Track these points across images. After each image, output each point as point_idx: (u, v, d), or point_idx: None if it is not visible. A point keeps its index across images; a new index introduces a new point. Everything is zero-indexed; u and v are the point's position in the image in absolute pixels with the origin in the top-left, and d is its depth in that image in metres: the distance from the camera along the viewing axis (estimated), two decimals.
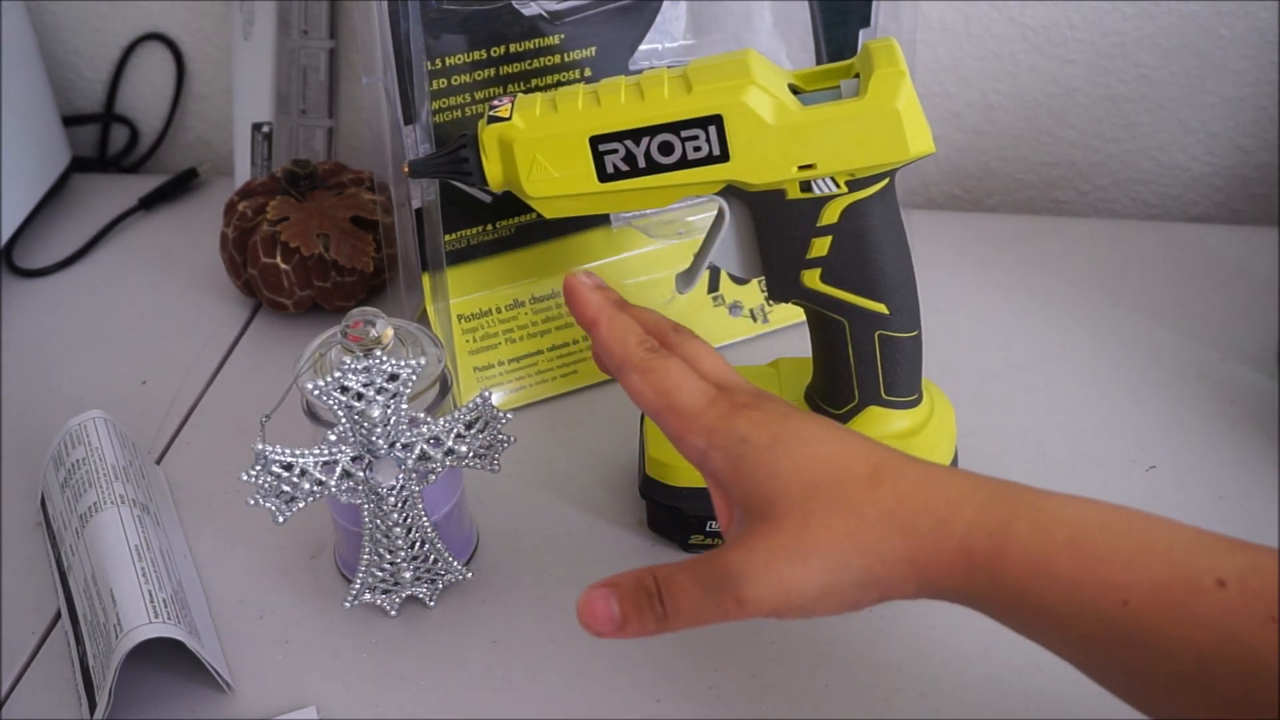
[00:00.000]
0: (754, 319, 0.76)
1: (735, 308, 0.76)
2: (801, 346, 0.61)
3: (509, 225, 0.71)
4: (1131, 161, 0.90)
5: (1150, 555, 0.40)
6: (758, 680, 0.56)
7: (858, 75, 0.54)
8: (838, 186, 0.54)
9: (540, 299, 0.73)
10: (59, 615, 0.61)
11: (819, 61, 0.71)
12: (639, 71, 0.57)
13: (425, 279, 0.69)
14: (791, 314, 0.76)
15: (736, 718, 0.55)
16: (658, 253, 0.75)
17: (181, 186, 0.94)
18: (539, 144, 0.55)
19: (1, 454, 0.71)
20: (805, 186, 0.54)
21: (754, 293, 0.76)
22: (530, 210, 0.57)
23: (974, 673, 0.57)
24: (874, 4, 0.70)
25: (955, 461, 0.61)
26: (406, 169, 0.59)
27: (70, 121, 0.96)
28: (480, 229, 0.70)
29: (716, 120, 0.53)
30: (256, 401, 0.74)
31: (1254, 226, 0.89)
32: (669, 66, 0.56)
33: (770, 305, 0.76)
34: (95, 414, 0.65)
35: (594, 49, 0.68)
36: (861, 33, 0.71)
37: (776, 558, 0.43)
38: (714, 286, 0.76)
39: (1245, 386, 0.72)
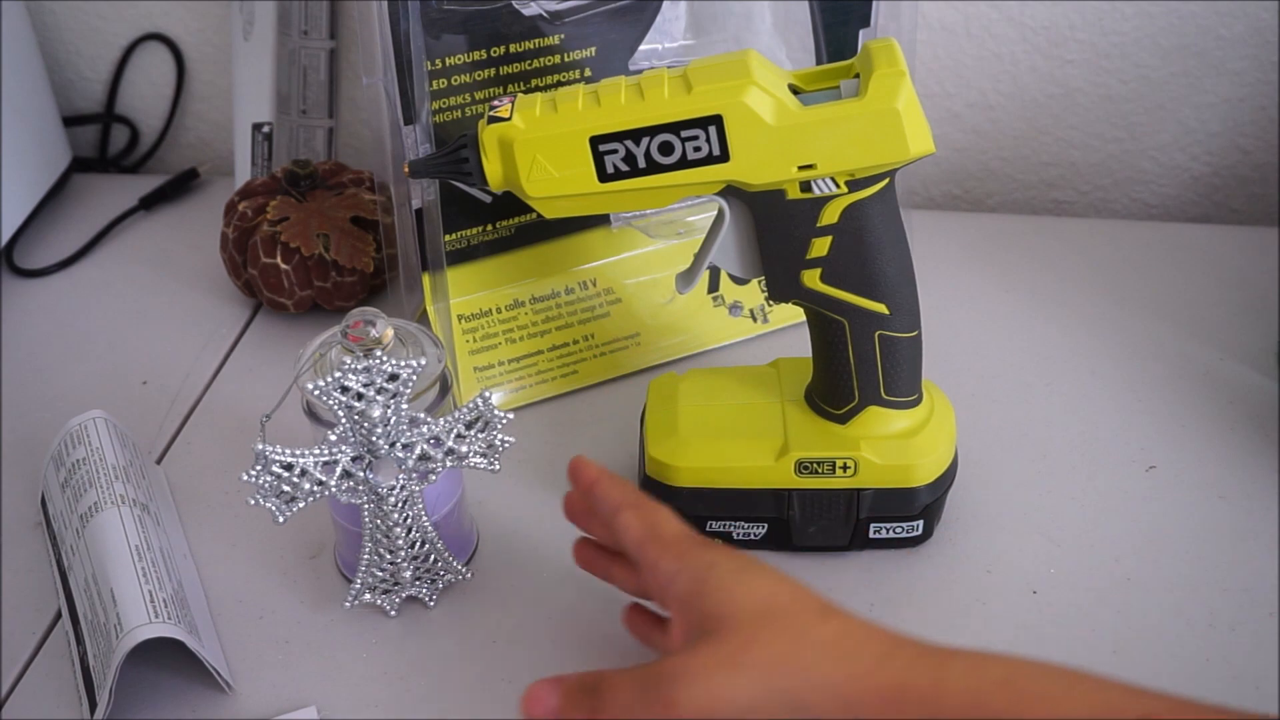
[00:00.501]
0: (754, 319, 0.76)
1: (735, 308, 0.76)
2: (801, 346, 0.61)
3: (509, 225, 0.71)
4: (1131, 161, 0.90)
5: (1081, 694, 0.41)
6: None
7: (858, 75, 0.54)
8: (838, 187, 0.54)
9: (540, 299, 0.73)
10: (59, 615, 0.61)
11: (819, 61, 0.71)
12: (639, 71, 0.57)
13: (425, 279, 0.69)
14: (791, 314, 0.76)
15: None
16: (658, 253, 0.75)
17: (182, 187, 0.94)
18: (539, 144, 0.55)
19: (1, 454, 0.71)
20: (805, 187, 0.54)
21: (754, 293, 0.76)
22: (530, 210, 0.57)
23: None
24: (874, 4, 0.70)
25: (955, 461, 0.61)
26: (406, 169, 0.59)
27: (70, 121, 0.96)
28: (480, 229, 0.71)
29: (716, 120, 0.53)
30: (257, 401, 0.74)
31: (1254, 226, 0.89)
32: (669, 67, 0.56)
33: (770, 305, 0.76)
34: (95, 414, 0.65)
35: (594, 49, 0.68)
36: (861, 33, 0.71)
37: (712, 668, 0.45)
38: (714, 286, 0.76)
39: (1245, 386, 0.72)
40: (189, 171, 0.94)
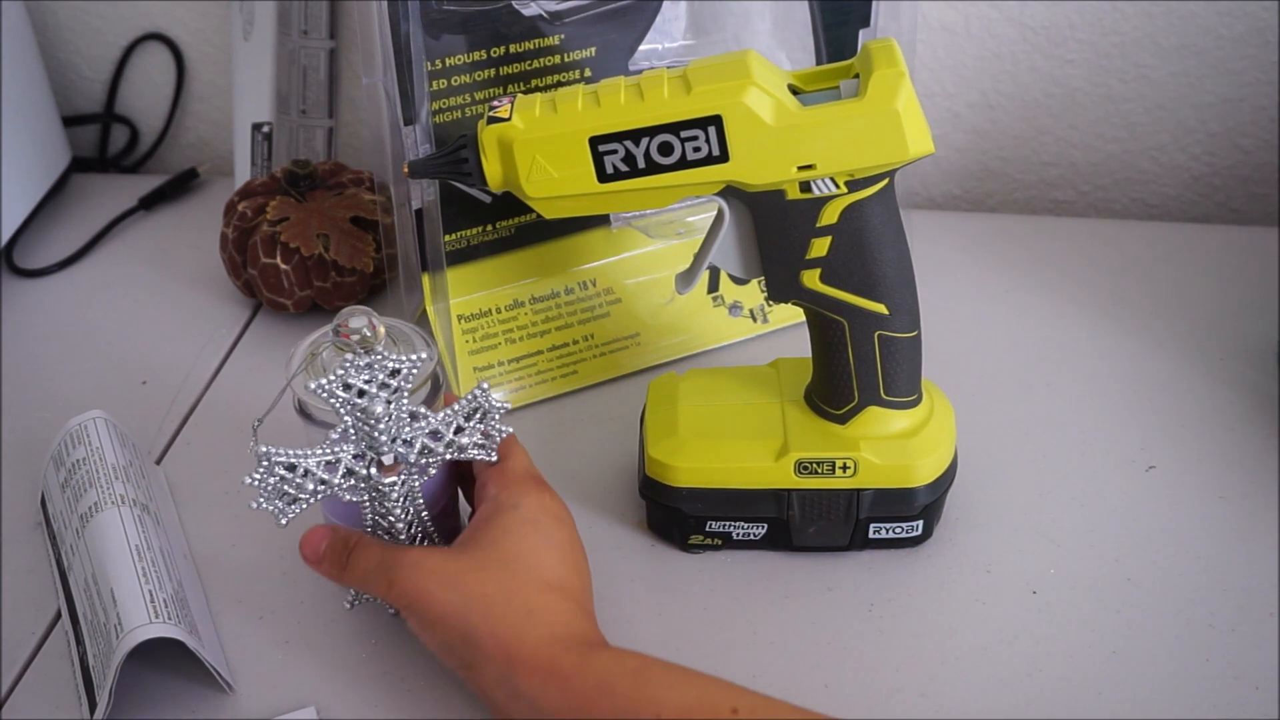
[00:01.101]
0: (754, 319, 0.76)
1: (735, 308, 0.76)
2: (801, 346, 0.61)
3: (509, 226, 0.71)
4: (1131, 161, 0.90)
5: (691, 688, 0.48)
6: (758, 680, 0.56)
7: (857, 76, 0.54)
8: (837, 187, 0.54)
9: (540, 299, 0.73)
10: (59, 615, 0.61)
11: (819, 62, 0.71)
12: (639, 72, 0.57)
13: (425, 279, 0.69)
14: (791, 314, 0.76)
15: None
16: (657, 253, 0.75)
17: (181, 187, 0.94)
18: (539, 144, 0.55)
19: (1, 454, 0.71)
20: (805, 187, 0.54)
21: (754, 293, 0.76)
22: (530, 210, 0.57)
23: (974, 673, 0.57)
24: (874, 4, 0.70)
25: (955, 462, 0.61)
26: (406, 169, 0.59)
27: (70, 121, 0.97)
28: (480, 229, 0.71)
29: (716, 121, 0.53)
30: (257, 401, 0.74)
31: (1254, 226, 0.89)
32: (669, 67, 0.56)
33: (770, 305, 0.76)
34: (95, 414, 0.65)
35: (594, 49, 0.68)
36: (861, 33, 0.71)
37: (434, 571, 0.52)
38: (714, 287, 0.76)
39: (1245, 386, 0.72)
40: (189, 171, 0.94)
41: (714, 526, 0.61)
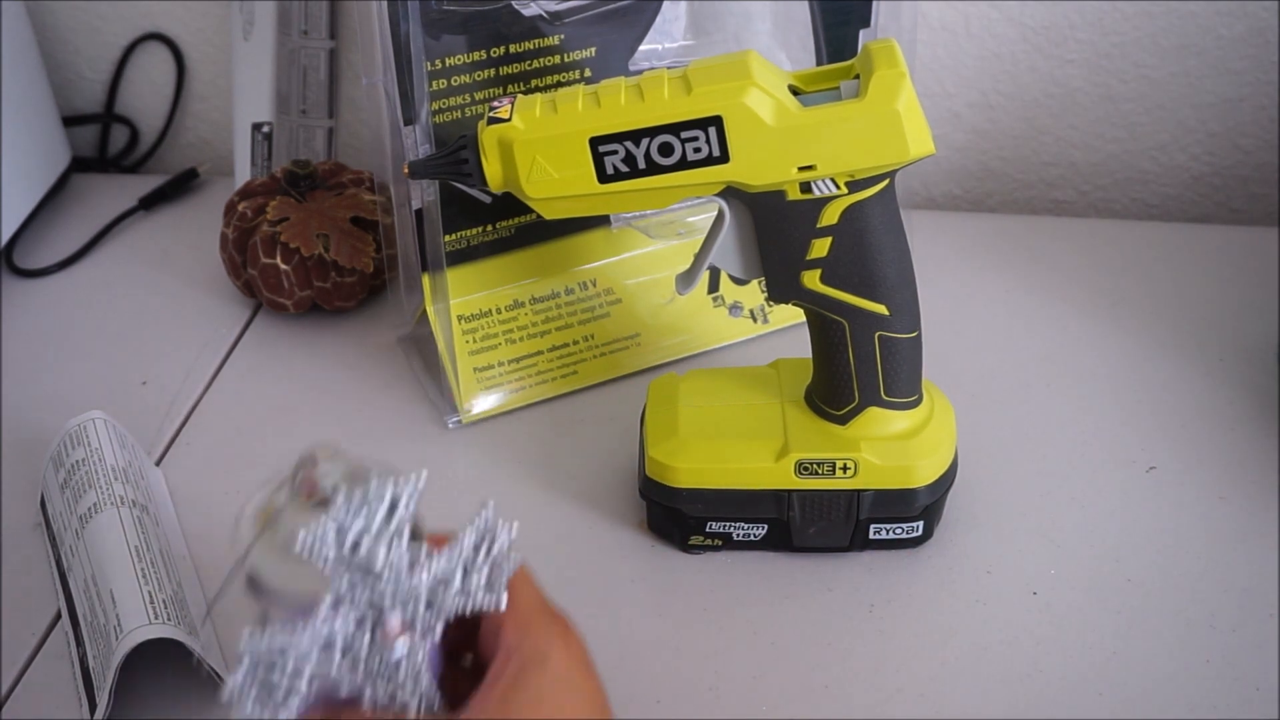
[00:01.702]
0: (754, 319, 0.76)
1: (735, 308, 0.76)
2: (801, 347, 0.61)
3: (509, 226, 0.71)
4: (1131, 161, 0.90)
5: None
6: (758, 680, 0.56)
7: (858, 76, 0.54)
8: (838, 188, 0.54)
9: (540, 300, 0.73)
10: (59, 616, 0.61)
11: (819, 62, 0.71)
12: (639, 72, 0.57)
13: (425, 279, 0.69)
14: (791, 314, 0.76)
15: (736, 718, 0.55)
16: (658, 253, 0.75)
17: (181, 187, 0.94)
18: (539, 145, 0.55)
19: (1, 454, 0.71)
20: (805, 188, 0.54)
21: (754, 293, 0.76)
22: (530, 211, 0.57)
23: (974, 673, 0.57)
24: (874, 4, 0.70)
25: (955, 462, 0.61)
26: (406, 170, 0.59)
27: (70, 121, 0.96)
28: (480, 229, 0.71)
29: (716, 121, 0.53)
30: (257, 401, 0.74)
31: (1254, 226, 0.89)
32: (669, 67, 0.56)
33: (770, 306, 0.76)
34: (95, 415, 0.65)
35: (594, 49, 0.68)
36: (861, 33, 0.71)
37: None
38: (714, 287, 0.76)
39: (1245, 386, 0.72)
40: (189, 171, 0.94)
41: (714, 527, 0.61)
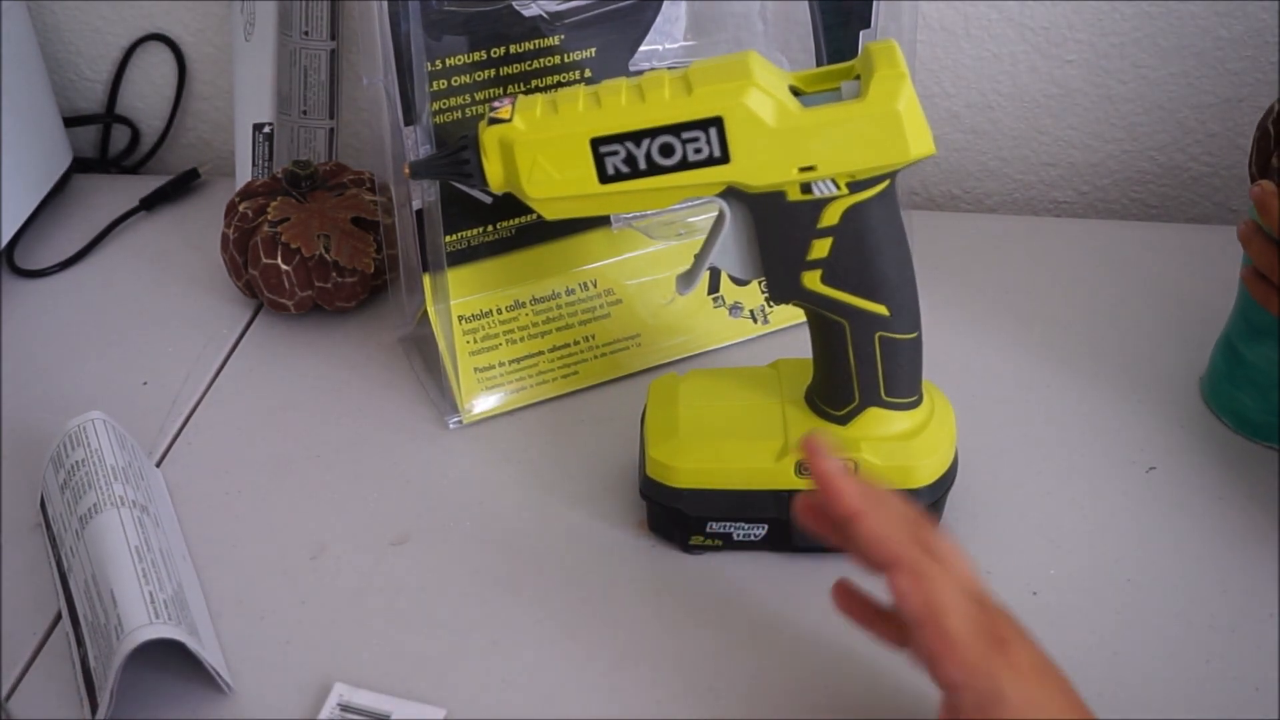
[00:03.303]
0: (754, 320, 0.76)
1: (735, 309, 0.76)
2: (802, 347, 0.61)
3: (509, 226, 0.71)
4: (1130, 161, 0.90)
5: None
6: (758, 680, 0.56)
7: (858, 77, 0.54)
8: (838, 188, 0.54)
9: (541, 300, 0.73)
10: (59, 616, 0.61)
11: (819, 63, 0.71)
12: (639, 73, 0.57)
13: (426, 280, 0.69)
14: (792, 315, 0.76)
15: (736, 718, 0.55)
16: (658, 254, 0.75)
17: (182, 187, 0.94)
18: (540, 145, 0.55)
19: (1, 455, 0.71)
20: (806, 188, 0.54)
21: (754, 294, 0.76)
22: (531, 211, 0.57)
23: None
24: (874, 5, 0.70)
25: (956, 463, 0.61)
26: (407, 170, 0.59)
27: (71, 122, 0.96)
28: (481, 230, 0.71)
29: (717, 122, 0.53)
30: (257, 402, 0.74)
31: None
32: (669, 68, 0.56)
33: (771, 306, 0.76)
34: (94, 415, 0.65)
35: (594, 50, 0.68)
36: (862, 34, 0.71)
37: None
38: (714, 287, 0.76)
39: None
40: (190, 172, 0.94)
41: (714, 527, 0.61)
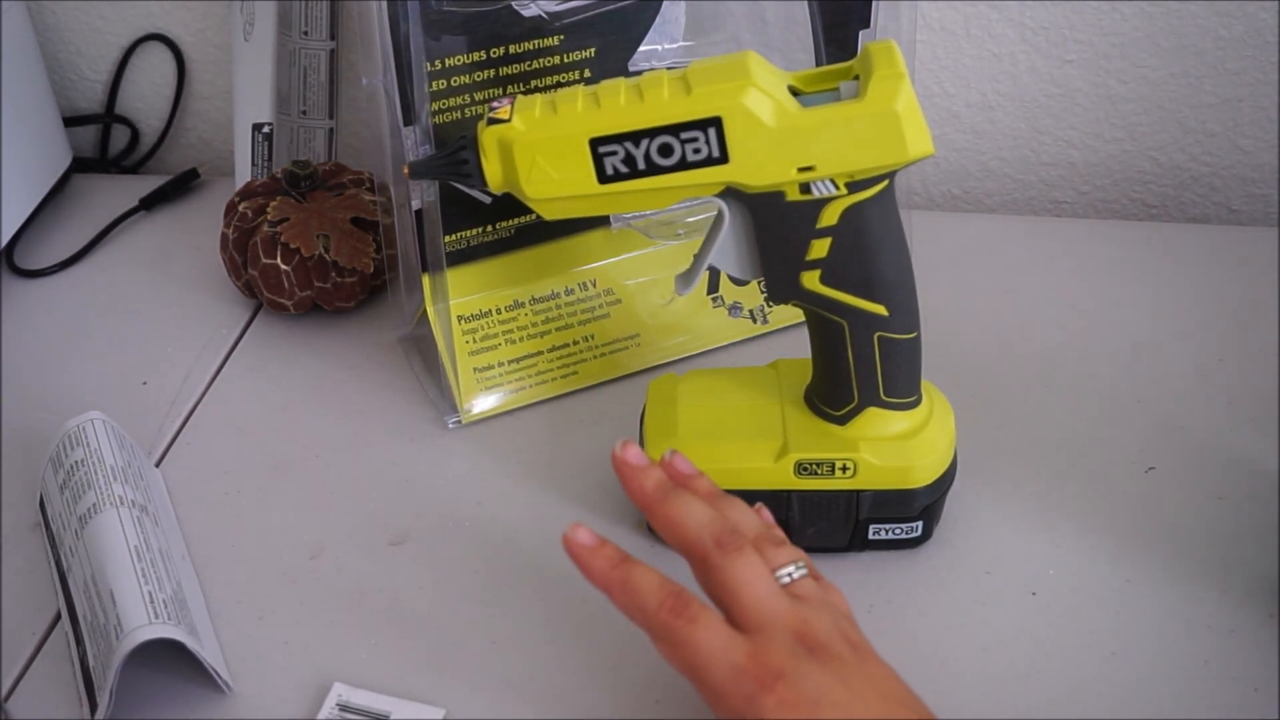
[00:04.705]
0: (753, 320, 0.76)
1: (735, 309, 0.76)
2: (801, 347, 0.61)
3: (509, 226, 0.71)
4: (1131, 162, 0.90)
5: None
6: None
7: (857, 77, 0.54)
8: (837, 188, 0.54)
9: (540, 300, 0.73)
10: (59, 616, 0.61)
11: (819, 62, 0.71)
12: (638, 73, 0.57)
13: (425, 280, 0.69)
14: (791, 315, 0.76)
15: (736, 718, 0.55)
16: (657, 254, 0.75)
17: (182, 187, 0.94)
18: (539, 146, 0.55)
19: (1, 454, 0.71)
20: (805, 188, 0.54)
21: (753, 294, 0.76)
22: (530, 211, 0.57)
23: (973, 673, 0.57)
24: (874, 4, 0.70)
25: (955, 463, 0.61)
26: (406, 170, 0.59)
27: (71, 122, 0.96)
28: (480, 230, 0.71)
29: (716, 122, 0.53)
30: (257, 402, 0.74)
31: (1253, 227, 0.89)
32: (669, 68, 0.56)
33: (770, 306, 0.76)
34: (93, 415, 0.65)
35: (593, 50, 0.68)
36: (861, 34, 0.71)
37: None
38: (713, 287, 0.76)
39: (1245, 386, 0.72)
40: (189, 172, 0.94)
41: None
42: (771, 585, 0.49)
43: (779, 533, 0.55)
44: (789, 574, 0.51)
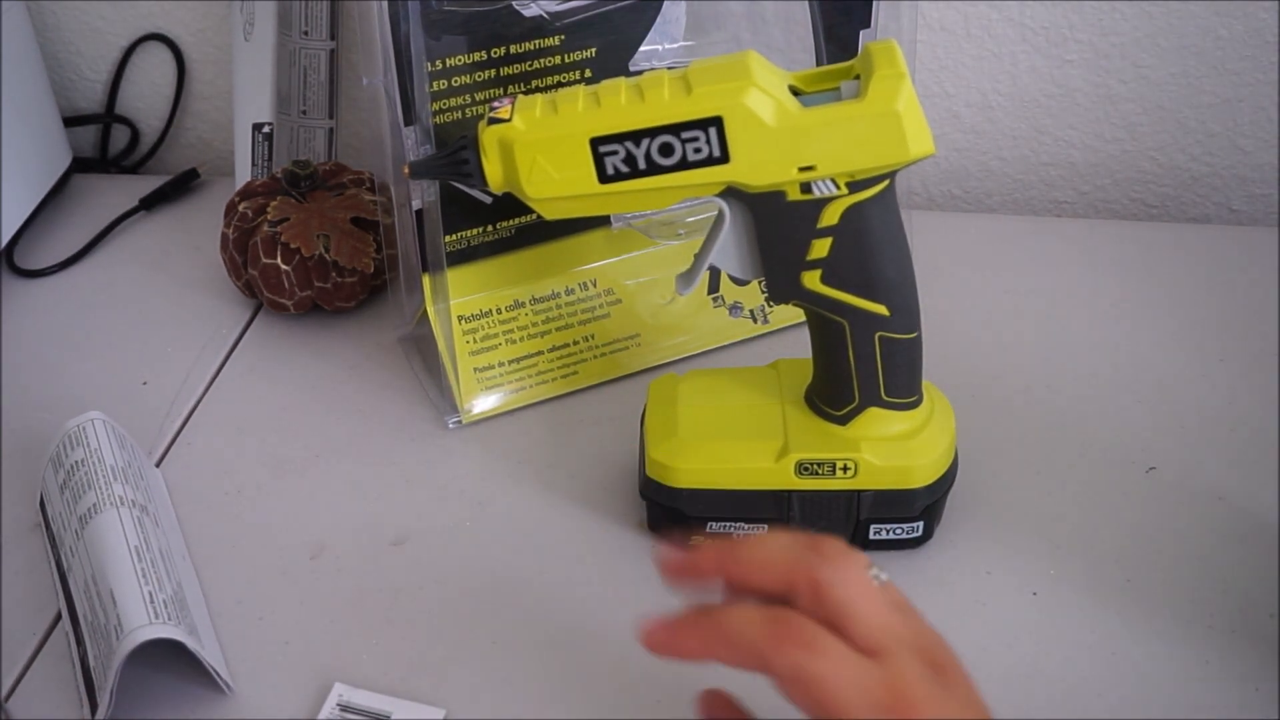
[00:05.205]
0: (754, 320, 0.76)
1: (735, 308, 0.76)
2: (802, 347, 0.61)
3: (509, 226, 0.71)
4: (1131, 162, 0.90)
5: None
6: (758, 681, 0.56)
7: (858, 77, 0.54)
8: (838, 188, 0.54)
9: (540, 300, 0.73)
10: (59, 616, 0.61)
11: (819, 63, 0.71)
12: (639, 73, 0.57)
13: (425, 280, 0.69)
14: (791, 314, 0.76)
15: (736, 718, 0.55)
16: (658, 253, 0.75)
17: (182, 187, 0.94)
18: (539, 145, 0.55)
19: (1, 454, 0.71)
20: (805, 188, 0.54)
21: (754, 293, 0.76)
22: (530, 211, 0.57)
23: (974, 674, 0.56)
24: (874, 4, 0.70)
25: (955, 463, 0.61)
26: (407, 170, 0.59)
27: (71, 122, 0.96)
28: (480, 230, 0.71)
29: (717, 122, 0.53)
30: (257, 402, 0.74)
31: (1254, 227, 0.89)
32: (669, 68, 0.56)
33: (770, 306, 0.76)
34: (93, 415, 0.65)
35: (594, 50, 0.68)
36: (861, 34, 0.71)
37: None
38: (714, 287, 0.76)
39: (1245, 386, 0.72)
40: (189, 172, 0.94)
41: (714, 527, 0.61)
42: (879, 596, 0.44)
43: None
44: (877, 575, 0.45)
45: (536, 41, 0.66)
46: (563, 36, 0.66)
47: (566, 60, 0.67)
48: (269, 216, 0.77)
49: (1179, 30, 0.84)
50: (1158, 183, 0.91)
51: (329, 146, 0.91)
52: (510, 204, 0.63)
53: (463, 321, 0.71)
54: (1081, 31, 0.85)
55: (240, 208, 0.78)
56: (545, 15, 0.66)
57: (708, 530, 0.61)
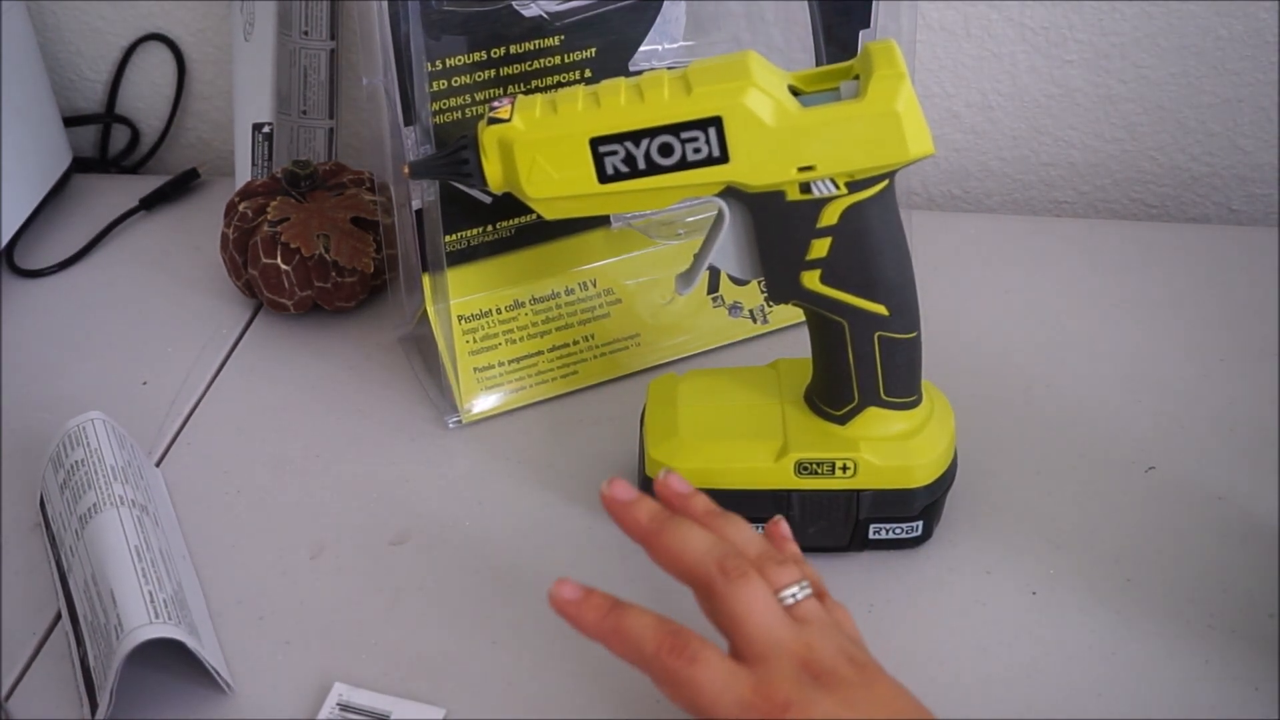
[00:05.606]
0: (754, 320, 0.76)
1: (735, 308, 0.76)
2: (801, 347, 0.61)
3: (509, 226, 0.71)
4: (1131, 162, 0.90)
5: None
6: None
7: (857, 77, 0.54)
8: (837, 188, 0.54)
9: (540, 300, 0.73)
10: (59, 616, 0.61)
11: (819, 63, 0.71)
12: (639, 73, 0.57)
13: (425, 280, 0.69)
14: (791, 314, 0.76)
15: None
16: (658, 253, 0.75)
17: (182, 187, 0.94)
18: (539, 145, 0.55)
19: (1, 454, 0.71)
20: (805, 188, 0.54)
21: (754, 293, 0.76)
22: (530, 211, 0.57)
23: (973, 673, 0.57)
24: (874, 4, 0.70)
25: (955, 462, 0.61)
26: (407, 170, 0.59)
27: (71, 122, 0.96)
28: (480, 230, 0.71)
29: (716, 122, 0.53)
30: (257, 402, 0.74)
31: (1253, 227, 0.89)
32: (669, 68, 0.56)
33: (770, 306, 0.76)
34: (93, 415, 0.65)
35: (594, 50, 0.68)
36: (861, 34, 0.71)
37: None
38: (714, 287, 0.76)
39: (1245, 386, 0.72)
40: (189, 172, 0.94)
41: None
42: (775, 611, 0.48)
43: (793, 547, 0.55)
44: (792, 595, 0.49)
45: (536, 41, 0.66)
46: (562, 36, 0.67)
47: (566, 60, 0.67)
48: (269, 216, 0.77)
49: (1179, 30, 0.84)
50: (1158, 183, 0.91)
51: (329, 146, 0.91)
52: (510, 204, 0.63)
53: (463, 321, 0.71)
54: (1081, 31, 0.85)
55: (240, 208, 0.78)
56: (545, 15, 0.66)
57: None
